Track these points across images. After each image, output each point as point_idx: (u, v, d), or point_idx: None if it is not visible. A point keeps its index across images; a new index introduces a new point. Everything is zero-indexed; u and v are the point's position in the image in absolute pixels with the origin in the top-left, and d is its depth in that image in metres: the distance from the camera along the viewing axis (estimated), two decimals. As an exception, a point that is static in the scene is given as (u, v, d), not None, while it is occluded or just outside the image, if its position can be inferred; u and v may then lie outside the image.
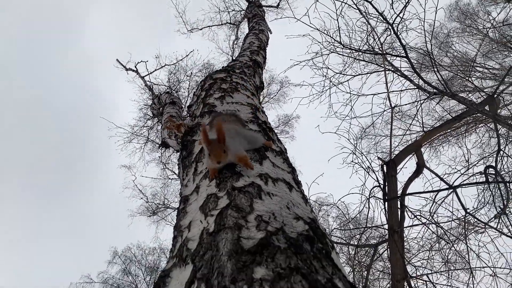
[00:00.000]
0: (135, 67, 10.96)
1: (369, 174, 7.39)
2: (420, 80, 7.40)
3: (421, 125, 8.04)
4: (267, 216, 1.58)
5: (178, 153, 3.11)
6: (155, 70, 11.23)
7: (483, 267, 6.22)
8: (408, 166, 7.62)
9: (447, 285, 6.39)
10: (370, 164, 7.29)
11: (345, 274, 1.48)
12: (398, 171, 7.48)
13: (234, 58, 5.99)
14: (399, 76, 8.29)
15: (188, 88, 11.51)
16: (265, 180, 1.90)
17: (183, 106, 7.49)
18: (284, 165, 2.26)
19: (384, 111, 8.16)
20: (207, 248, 1.44)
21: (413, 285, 6.68)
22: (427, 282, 6.53)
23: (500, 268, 6.33)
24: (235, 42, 12.62)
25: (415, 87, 8.34)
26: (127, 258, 13.28)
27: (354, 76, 8.37)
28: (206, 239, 1.51)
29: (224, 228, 1.51)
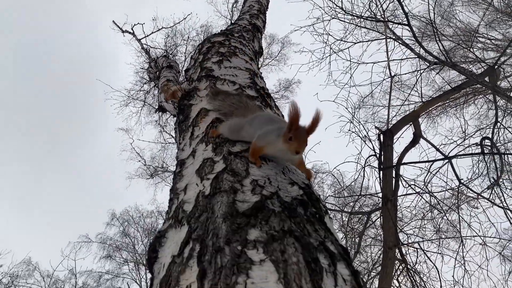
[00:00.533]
0: (132, 29, 10.73)
1: (365, 143, 7.43)
2: (421, 49, 7.30)
3: (420, 95, 8.01)
4: (263, 181, 1.59)
5: (175, 118, 3.10)
6: (152, 32, 11.00)
7: (474, 236, 6.37)
8: (405, 136, 7.63)
9: (438, 253, 6.55)
10: (367, 133, 7.32)
11: (337, 238, 1.51)
12: (394, 141, 7.52)
13: (233, 21, 5.86)
14: (400, 45, 8.17)
15: (185, 53, 11.33)
16: (262, 145, 1.90)
17: (180, 70, 7.40)
18: (281, 131, 2.25)
19: (384, 80, 8.10)
20: (203, 210, 1.46)
21: (404, 252, 6.86)
22: (418, 250, 6.70)
23: (490, 237, 6.49)
24: (234, 5, 12.33)
25: (416, 56, 8.25)
26: (125, 220, 13.51)
27: (355, 43, 8.26)
28: (202, 201, 1.52)
29: (219, 192, 1.52)
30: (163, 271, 1.35)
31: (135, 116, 11.64)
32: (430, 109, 8.97)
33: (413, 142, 7.50)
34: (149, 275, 1.52)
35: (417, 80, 8.00)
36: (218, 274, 1.14)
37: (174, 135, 2.95)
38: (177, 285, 1.18)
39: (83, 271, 11.87)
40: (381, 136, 7.30)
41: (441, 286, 5.81)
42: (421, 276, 6.71)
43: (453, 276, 6.46)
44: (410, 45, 8.32)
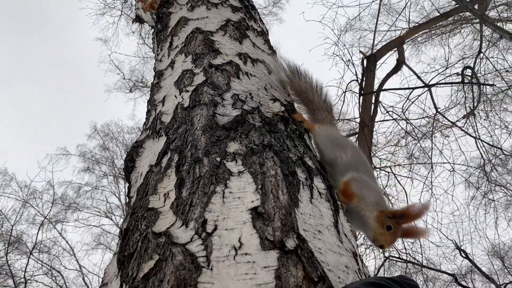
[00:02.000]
0: None
1: (348, 68, 7.34)
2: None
3: (407, 21, 7.81)
4: (244, 96, 1.55)
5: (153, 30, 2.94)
6: None
7: (444, 163, 6.65)
8: (388, 62, 7.57)
9: (408, 177, 6.86)
10: (351, 58, 7.20)
11: (315, 155, 1.53)
12: (377, 67, 7.47)
13: None
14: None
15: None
16: (244, 59, 1.83)
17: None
18: (264, 47, 2.17)
19: (373, 1, 7.80)
20: (181, 122, 1.43)
21: (376, 175, 7.15)
22: (390, 174, 6.98)
23: (458, 164, 6.79)
24: None
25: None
26: (105, 134, 13.42)
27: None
28: (181, 113, 1.49)
29: (199, 104, 1.48)
30: (140, 180, 1.35)
31: (112, 27, 11.04)
32: (416, 35, 8.80)
33: (396, 69, 7.47)
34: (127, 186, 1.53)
35: (406, 5, 7.75)
36: (196, 183, 1.14)
37: (152, 47, 2.81)
38: (154, 193, 1.19)
39: (61, 182, 12.00)
40: (365, 61, 7.21)
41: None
42: (390, 198, 7.08)
43: (419, 199, 6.84)
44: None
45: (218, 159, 1.19)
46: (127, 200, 1.44)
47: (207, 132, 1.32)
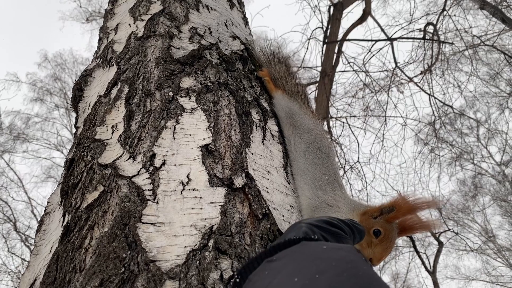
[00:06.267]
0: None
1: (315, 14, 7.23)
2: None
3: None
4: (203, 30, 1.48)
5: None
6: None
7: (397, 117, 6.89)
8: (354, 12, 7.50)
9: (361, 128, 7.07)
10: (318, 4, 7.06)
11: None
12: (343, 16, 7.40)
13: None
14: None
15: None
16: (206, -8, 1.74)
17: None
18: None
19: None
20: (134, 53, 1.36)
21: (331, 124, 7.32)
22: (345, 124, 7.17)
23: (411, 119, 7.06)
24: None
25: None
26: (57, 64, 12.62)
27: None
28: (134, 43, 1.41)
29: (154, 35, 1.41)
30: (88, 110, 1.29)
31: None
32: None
33: (361, 19, 7.42)
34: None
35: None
36: (146, 117, 1.10)
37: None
38: (102, 124, 1.14)
39: (9, 111, 11.33)
40: (331, 8, 7.11)
41: (358, 158, 6.41)
42: (343, 147, 7.32)
43: (370, 150, 7.12)
44: None
45: (171, 93, 1.15)
46: (75, 130, 1.38)
47: (161, 65, 1.26)
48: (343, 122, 7.18)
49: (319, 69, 7.37)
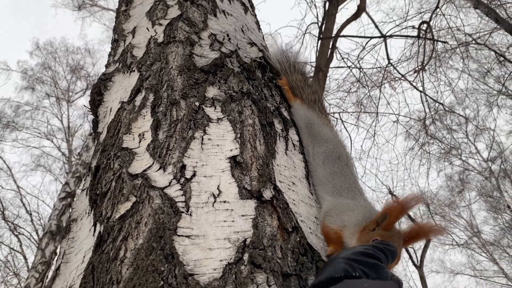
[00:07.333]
0: None
1: (310, 9, 7.24)
2: None
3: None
4: (221, 36, 1.49)
5: None
6: None
7: (389, 114, 6.97)
8: (349, 7, 7.52)
9: (354, 124, 7.14)
10: (314, -1, 7.05)
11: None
12: (338, 10, 7.40)
13: None
14: None
15: None
16: (220, -5, 1.74)
17: None
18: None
19: None
20: (155, 59, 1.36)
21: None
22: (337, 119, 7.23)
23: (402, 116, 7.16)
24: None
25: None
26: (48, 52, 12.38)
27: None
28: (154, 49, 1.41)
29: (174, 41, 1.41)
30: (110, 116, 1.29)
31: None
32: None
33: (356, 15, 7.45)
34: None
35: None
36: (173, 126, 1.12)
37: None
38: (128, 132, 1.15)
39: (-1, 99, 11.14)
40: (327, 4, 7.12)
41: (350, 153, 6.48)
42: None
43: (361, 146, 7.20)
44: None
45: (197, 103, 1.17)
46: (94, 135, 1.39)
47: (184, 73, 1.27)
48: (336, 118, 7.24)
49: (314, 64, 7.39)
